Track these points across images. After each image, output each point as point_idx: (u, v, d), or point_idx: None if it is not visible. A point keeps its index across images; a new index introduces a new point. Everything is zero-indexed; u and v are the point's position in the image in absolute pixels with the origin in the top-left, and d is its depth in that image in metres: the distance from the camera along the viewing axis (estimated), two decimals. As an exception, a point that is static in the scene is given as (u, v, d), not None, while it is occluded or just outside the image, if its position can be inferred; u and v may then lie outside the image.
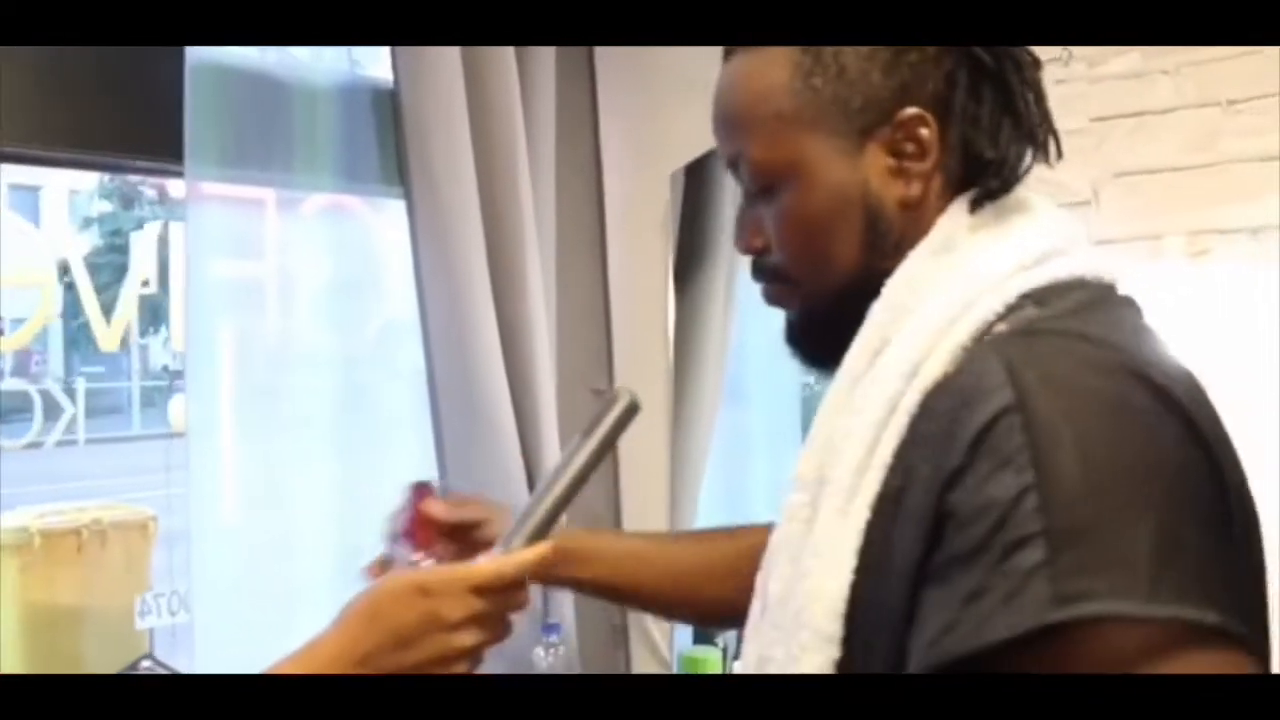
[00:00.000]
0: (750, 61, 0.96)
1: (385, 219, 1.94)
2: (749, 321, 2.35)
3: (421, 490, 1.14)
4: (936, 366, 0.83)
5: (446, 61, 1.84)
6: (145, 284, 10.15)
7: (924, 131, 0.90)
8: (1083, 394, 0.76)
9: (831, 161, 0.92)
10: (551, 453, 1.98)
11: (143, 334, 12.42)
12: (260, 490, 1.83)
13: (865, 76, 0.91)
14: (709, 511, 2.27)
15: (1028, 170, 0.92)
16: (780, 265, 0.97)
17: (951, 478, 0.76)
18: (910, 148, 0.91)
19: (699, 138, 2.15)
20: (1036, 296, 0.85)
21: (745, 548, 1.07)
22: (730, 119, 0.98)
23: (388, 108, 1.87)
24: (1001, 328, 0.83)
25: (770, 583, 0.92)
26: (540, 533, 1.02)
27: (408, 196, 1.87)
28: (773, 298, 1.00)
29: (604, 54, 2.21)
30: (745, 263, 1.02)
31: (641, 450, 2.07)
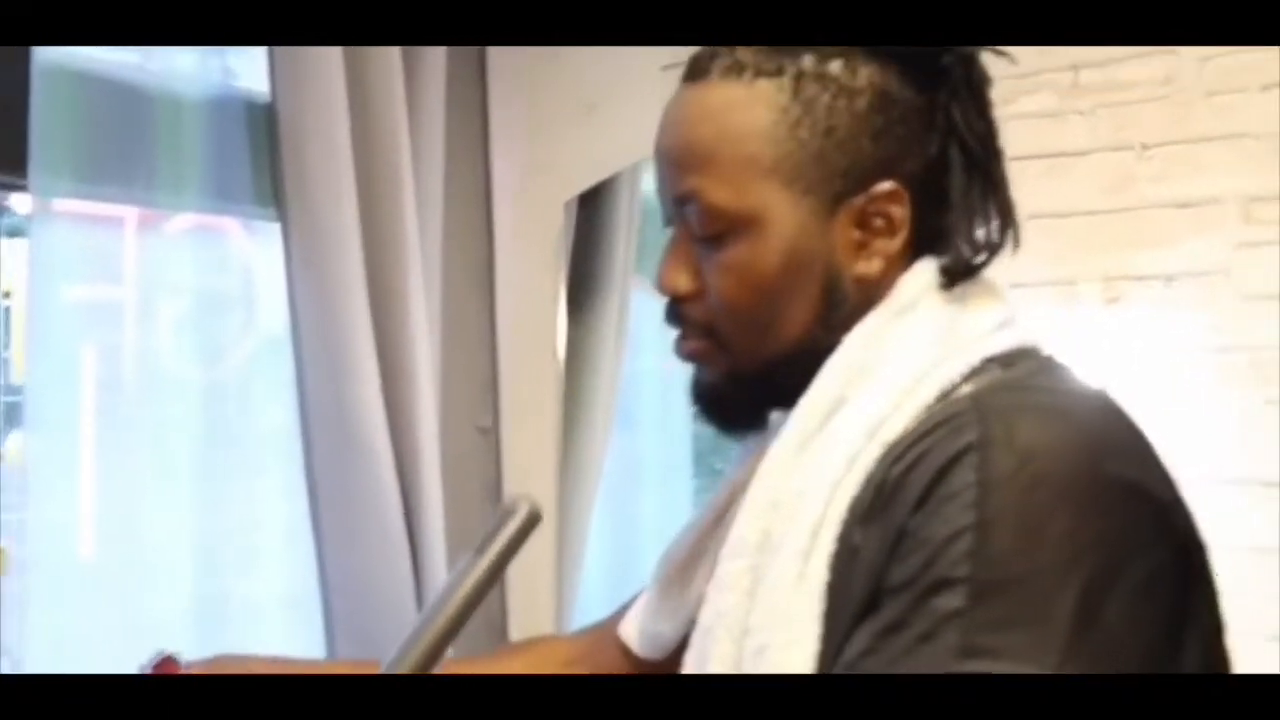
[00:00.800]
0: (727, 92, 0.87)
1: (258, 241, 1.83)
2: (638, 347, 2.31)
3: (164, 664, 1.04)
4: (899, 424, 0.80)
5: (328, 75, 1.74)
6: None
7: (897, 209, 0.86)
8: (1045, 447, 0.74)
9: (800, 223, 0.86)
10: (432, 494, 1.89)
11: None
12: (113, 524, 1.70)
13: (854, 140, 0.85)
14: (598, 545, 2.22)
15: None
16: (712, 320, 0.89)
17: (912, 509, 0.74)
18: (879, 223, 0.87)
19: (596, 164, 2.21)
20: (1001, 360, 0.83)
21: (543, 660, 1.09)
22: (691, 153, 0.88)
23: (263, 123, 1.76)
24: (966, 389, 0.80)
25: (709, 664, 0.84)
26: (425, 664, 0.89)
27: (282, 218, 1.77)
28: (690, 353, 0.92)
29: (497, 73, 2.13)
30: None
31: (528, 485, 2.02)
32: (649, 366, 2.36)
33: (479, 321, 2.15)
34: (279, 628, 1.87)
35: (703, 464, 2.40)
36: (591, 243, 2.21)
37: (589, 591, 2.22)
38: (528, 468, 2.10)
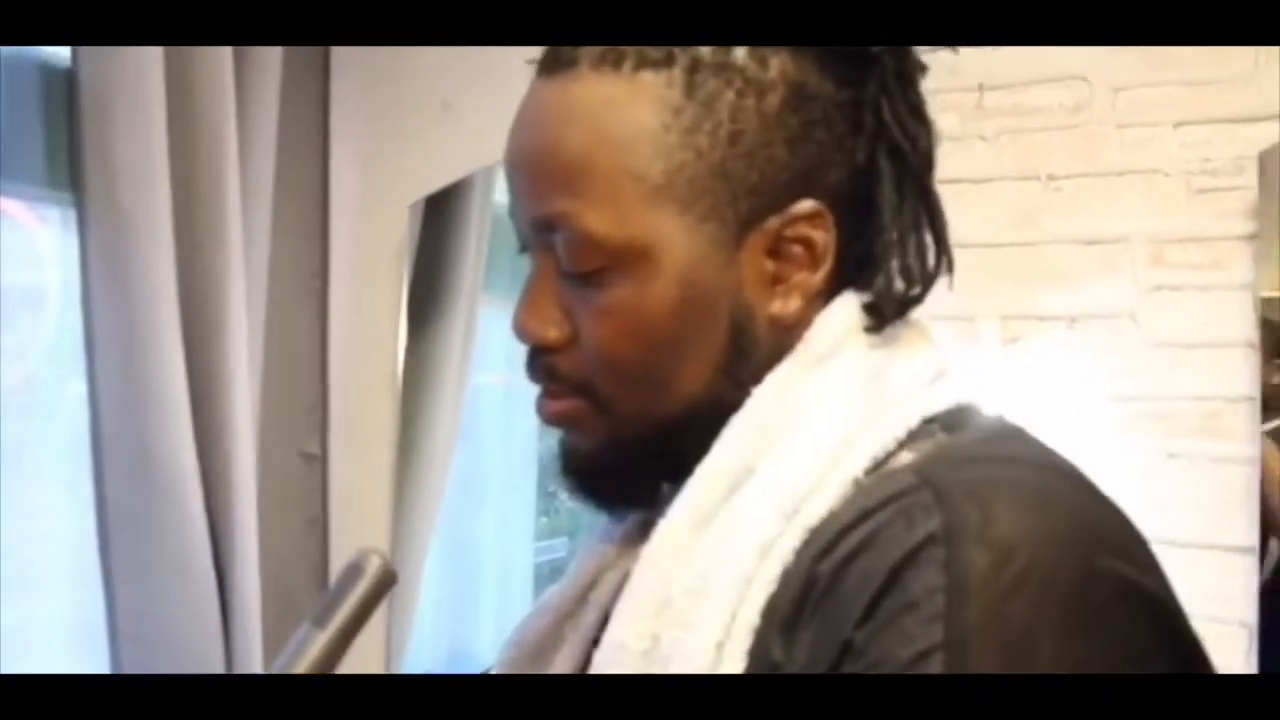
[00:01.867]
0: (601, 88, 0.69)
1: (49, 229, 1.66)
2: (482, 361, 2.16)
3: None
4: (823, 503, 0.65)
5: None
6: None
7: (819, 234, 0.70)
8: (1025, 539, 0.58)
9: (699, 254, 0.69)
10: (246, 526, 1.72)
11: None
12: None
13: (765, 148, 0.68)
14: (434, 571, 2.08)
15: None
16: (587, 375, 0.72)
17: (859, 620, 0.59)
18: (797, 251, 0.70)
19: (447, 166, 2.04)
20: (942, 421, 0.68)
21: None
22: (556, 167, 0.70)
23: (60, 91, 1.58)
24: (905, 458, 0.66)
25: None
26: None
27: (79, 203, 1.58)
28: (559, 415, 0.74)
29: (341, 64, 1.95)
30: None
31: (357, 517, 1.86)
32: (492, 381, 2.21)
33: (308, 335, 1.97)
34: (60, 654, 1.73)
35: (548, 482, 2.26)
36: (438, 251, 2.04)
37: (424, 619, 2.09)
38: (357, 499, 1.91)
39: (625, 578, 0.79)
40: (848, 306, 0.71)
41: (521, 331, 0.72)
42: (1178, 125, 1.51)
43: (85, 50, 1.52)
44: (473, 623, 2.23)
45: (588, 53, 0.69)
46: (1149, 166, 1.52)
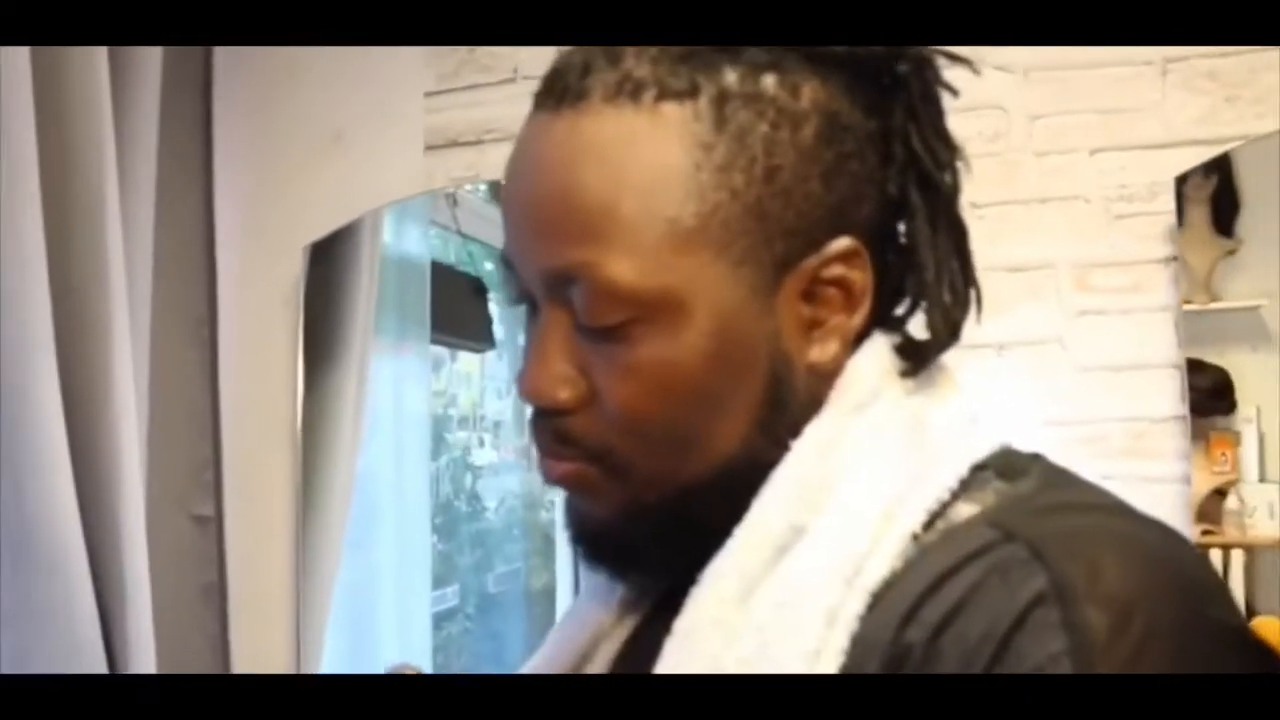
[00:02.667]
0: (620, 122, 0.63)
1: None
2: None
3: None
4: (883, 563, 0.60)
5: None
6: None
7: (856, 275, 0.66)
8: (1141, 593, 0.55)
9: (735, 301, 0.64)
10: (139, 598, 1.56)
11: None
12: None
13: (804, 183, 0.64)
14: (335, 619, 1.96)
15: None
16: (606, 439, 0.66)
17: None
18: (833, 293, 0.66)
19: (341, 204, 1.94)
20: (995, 467, 0.64)
21: None
22: (575, 212, 0.63)
23: None
24: (966, 510, 0.62)
25: None
26: None
27: None
28: (569, 479, 0.68)
29: (225, 90, 1.83)
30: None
31: (257, 580, 1.74)
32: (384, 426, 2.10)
33: (196, 386, 1.84)
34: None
35: (448, 531, 2.17)
36: (326, 295, 1.93)
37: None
38: (257, 562, 1.79)
39: (628, 649, 0.74)
40: (880, 350, 0.68)
41: (530, 393, 0.66)
42: (1094, 152, 1.54)
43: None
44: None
45: (600, 83, 0.63)
46: (1069, 193, 1.55)
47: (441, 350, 2.11)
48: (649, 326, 0.63)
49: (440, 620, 2.15)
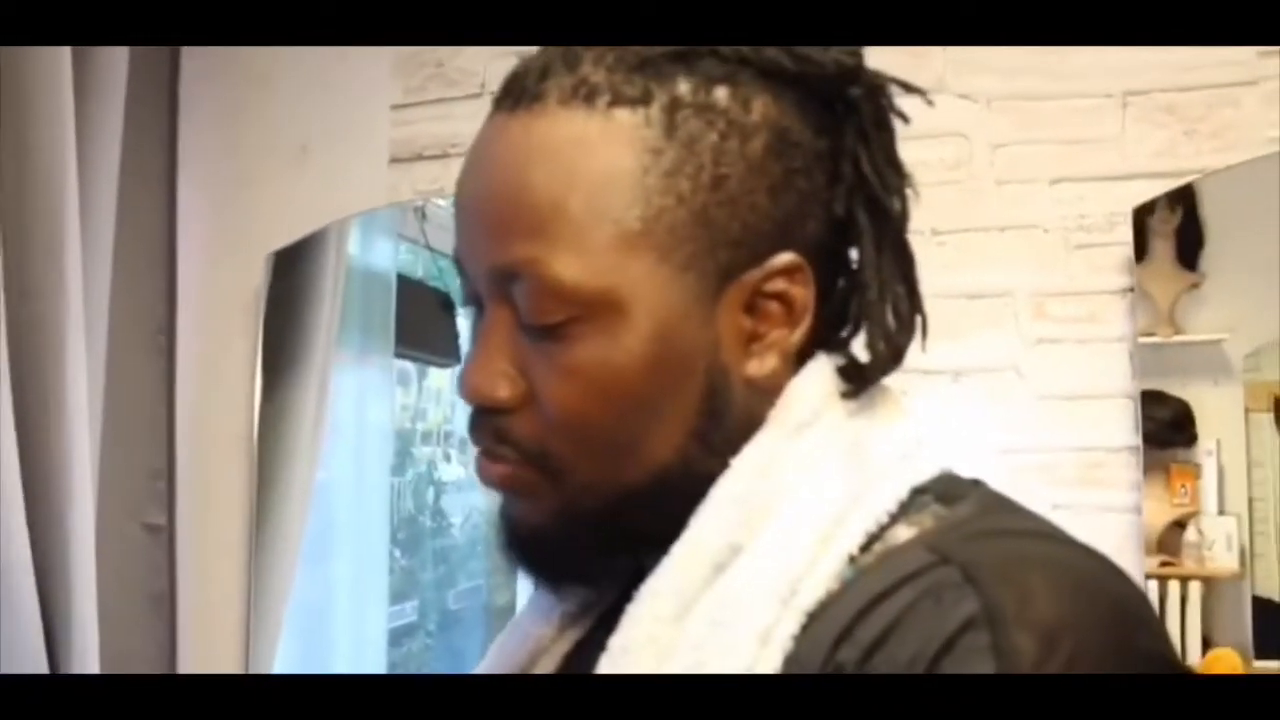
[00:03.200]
0: (573, 125, 0.64)
1: None
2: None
3: None
4: (819, 585, 0.61)
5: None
6: None
7: (798, 290, 0.66)
8: (1071, 620, 0.55)
9: (677, 306, 0.64)
10: (84, 608, 1.55)
11: None
12: None
13: (750, 195, 0.64)
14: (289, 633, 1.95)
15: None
16: (543, 440, 0.66)
17: None
18: (774, 307, 0.66)
19: (305, 214, 1.92)
20: (935, 492, 0.64)
21: None
22: (522, 209, 0.64)
23: None
24: (904, 533, 0.62)
25: None
26: None
27: None
28: (503, 481, 0.68)
29: (191, 101, 1.84)
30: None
31: (208, 592, 1.74)
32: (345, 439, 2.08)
33: (152, 394, 1.83)
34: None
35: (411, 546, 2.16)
36: (288, 305, 1.92)
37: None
38: (208, 573, 1.78)
39: (566, 664, 0.74)
40: (823, 371, 0.68)
41: (469, 390, 0.66)
42: (1054, 182, 1.55)
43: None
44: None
45: (556, 87, 0.64)
46: (1029, 222, 1.55)
47: (412, 366, 2.11)
48: (588, 326, 0.63)
49: (399, 636, 2.14)
